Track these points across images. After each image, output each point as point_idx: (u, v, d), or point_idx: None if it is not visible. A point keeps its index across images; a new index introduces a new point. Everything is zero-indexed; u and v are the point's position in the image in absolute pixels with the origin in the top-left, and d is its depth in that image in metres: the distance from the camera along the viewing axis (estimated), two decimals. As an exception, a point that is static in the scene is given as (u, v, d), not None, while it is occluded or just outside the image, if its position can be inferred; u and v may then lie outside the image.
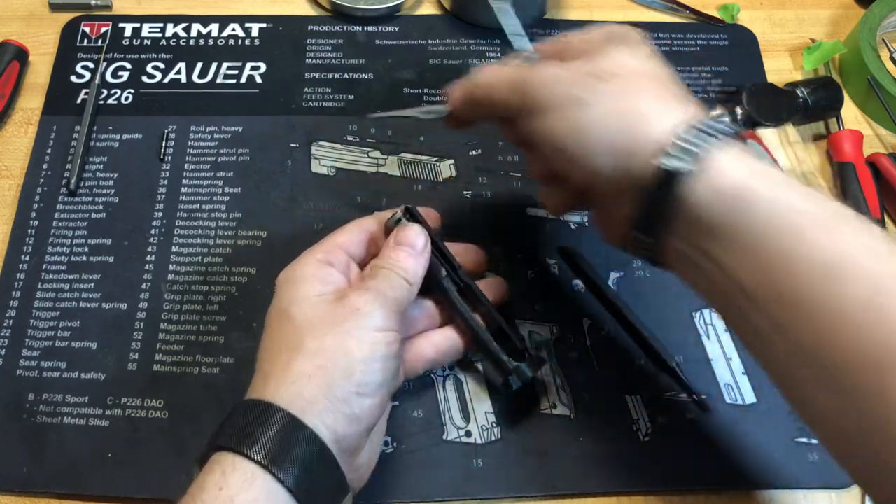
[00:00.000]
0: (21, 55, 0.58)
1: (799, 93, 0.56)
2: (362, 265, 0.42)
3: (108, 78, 0.58)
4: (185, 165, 0.54)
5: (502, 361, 0.43)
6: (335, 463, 0.34)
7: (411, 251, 0.40)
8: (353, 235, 0.42)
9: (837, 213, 0.32)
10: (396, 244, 0.40)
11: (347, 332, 0.36)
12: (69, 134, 0.55)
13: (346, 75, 0.59)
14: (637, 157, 0.33)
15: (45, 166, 0.54)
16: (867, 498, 0.44)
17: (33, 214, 0.52)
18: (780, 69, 0.62)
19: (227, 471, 0.33)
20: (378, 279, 0.39)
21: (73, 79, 0.58)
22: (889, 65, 0.59)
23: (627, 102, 0.34)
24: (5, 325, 0.48)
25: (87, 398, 0.46)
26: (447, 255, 0.44)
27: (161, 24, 0.61)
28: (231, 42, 0.60)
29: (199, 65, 0.59)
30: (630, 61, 0.36)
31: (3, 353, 0.47)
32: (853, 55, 0.60)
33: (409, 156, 0.55)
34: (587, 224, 0.53)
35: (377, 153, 0.55)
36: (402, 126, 0.56)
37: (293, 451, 0.33)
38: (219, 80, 0.58)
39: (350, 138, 0.56)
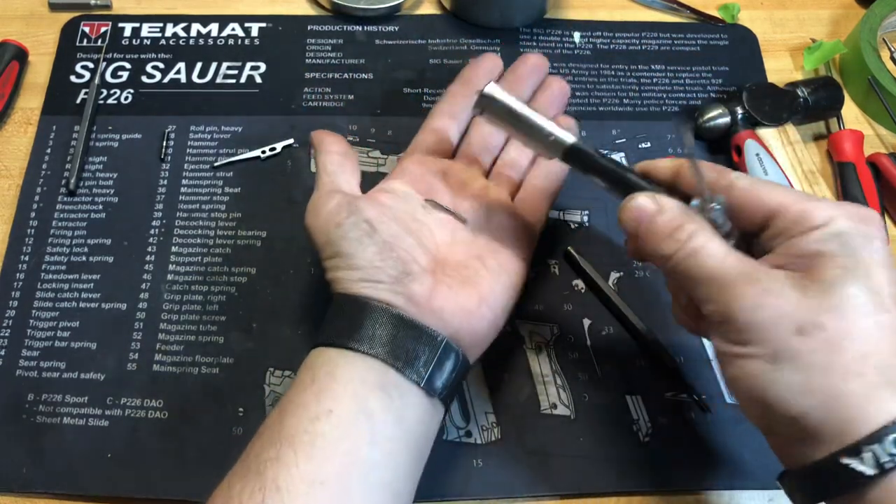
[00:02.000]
0: (21, 55, 0.58)
1: (799, 93, 0.56)
2: None
3: (108, 78, 0.58)
4: (185, 165, 0.54)
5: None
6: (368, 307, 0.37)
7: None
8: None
9: None
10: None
11: None
12: (69, 134, 0.55)
13: (346, 75, 0.59)
14: (825, 440, 0.30)
15: (44, 166, 0.54)
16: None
17: (33, 214, 0.52)
18: (780, 69, 0.62)
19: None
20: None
21: (73, 79, 0.58)
22: (889, 65, 0.59)
23: (844, 381, 0.30)
24: (5, 325, 0.48)
25: (86, 398, 0.46)
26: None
27: (161, 24, 0.61)
28: (231, 42, 0.60)
29: (199, 65, 0.59)
30: (863, 308, 0.30)
31: (2, 353, 0.47)
32: (854, 55, 0.60)
33: (409, 156, 0.55)
34: (588, 224, 0.53)
35: (377, 153, 0.55)
36: (402, 126, 0.56)
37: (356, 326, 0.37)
38: (218, 80, 0.58)
39: (350, 138, 0.56)
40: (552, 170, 0.46)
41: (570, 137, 0.38)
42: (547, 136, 0.39)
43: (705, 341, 0.48)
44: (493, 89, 0.39)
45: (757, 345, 0.31)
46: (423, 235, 0.41)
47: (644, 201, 0.36)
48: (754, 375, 0.31)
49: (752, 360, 0.31)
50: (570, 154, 0.38)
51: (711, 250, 0.33)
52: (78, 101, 0.57)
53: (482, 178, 0.46)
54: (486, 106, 0.39)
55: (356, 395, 0.35)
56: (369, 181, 0.54)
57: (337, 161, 0.43)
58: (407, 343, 0.37)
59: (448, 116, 0.47)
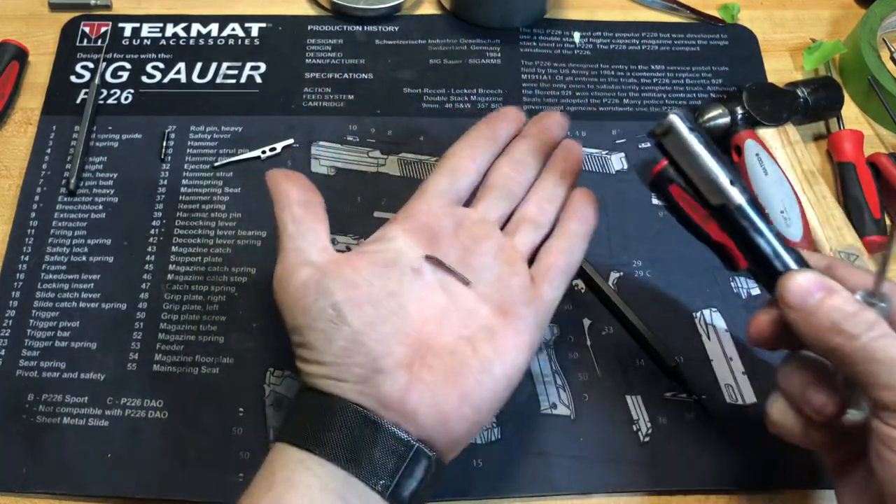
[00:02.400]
0: (21, 55, 0.58)
1: (799, 93, 0.56)
2: None
3: (108, 78, 0.58)
4: (185, 165, 0.54)
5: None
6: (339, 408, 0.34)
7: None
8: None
9: None
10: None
11: None
12: (69, 134, 0.55)
13: (346, 75, 0.59)
14: None
15: (44, 166, 0.54)
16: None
17: (33, 214, 0.52)
18: (780, 69, 0.62)
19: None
20: None
21: (73, 79, 0.58)
22: (889, 65, 0.59)
23: None
24: (5, 325, 0.48)
25: (86, 398, 0.46)
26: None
27: (161, 24, 0.61)
28: (231, 42, 0.60)
29: (199, 65, 0.59)
30: None
31: (2, 353, 0.47)
32: (853, 55, 0.60)
33: (409, 156, 0.55)
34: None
35: (377, 153, 0.55)
36: (402, 126, 0.56)
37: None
38: (218, 80, 0.58)
39: (350, 138, 0.56)
40: (575, 243, 0.41)
41: (739, 198, 0.36)
42: (716, 186, 0.36)
43: (705, 341, 0.48)
44: (677, 119, 0.36)
45: None
46: (404, 317, 0.36)
47: (812, 281, 0.33)
48: None
49: None
50: (729, 212, 0.36)
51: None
52: (78, 101, 0.57)
53: (497, 232, 0.40)
54: (666, 132, 0.36)
55: (313, 502, 0.32)
56: (370, 181, 0.54)
57: (299, 216, 0.37)
58: (372, 448, 0.33)
59: (468, 159, 0.42)
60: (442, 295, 0.38)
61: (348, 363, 0.34)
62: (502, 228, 0.41)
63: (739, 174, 0.37)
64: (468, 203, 0.42)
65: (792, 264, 0.35)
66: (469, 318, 0.37)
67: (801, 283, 0.33)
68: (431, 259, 0.38)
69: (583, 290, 0.50)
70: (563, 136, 0.45)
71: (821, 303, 0.33)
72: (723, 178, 0.36)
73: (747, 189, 0.36)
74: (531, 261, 0.40)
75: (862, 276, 0.35)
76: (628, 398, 0.47)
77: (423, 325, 0.36)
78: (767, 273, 0.36)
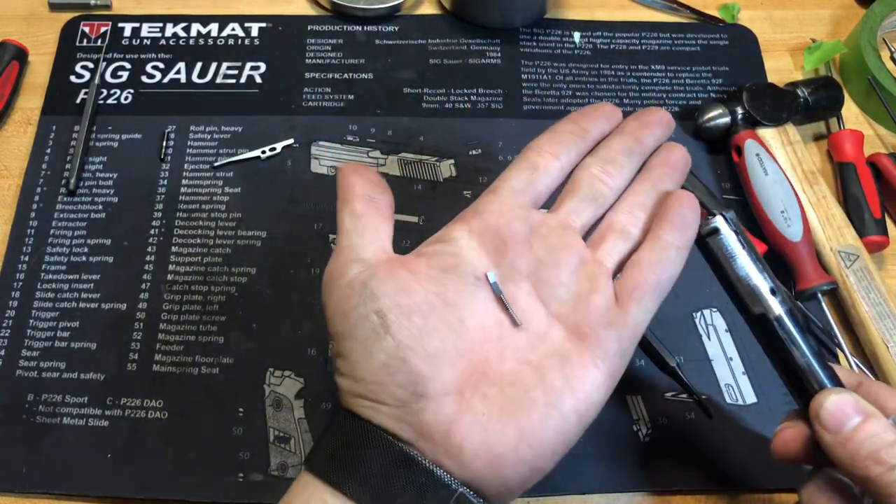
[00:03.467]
0: (20, 55, 0.58)
1: (799, 93, 0.56)
2: None
3: (108, 78, 0.58)
4: (185, 165, 0.54)
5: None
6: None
7: None
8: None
9: None
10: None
11: None
12: (68, 134, 0.55)
13: (346, 75, 0.59)
14: None
15: (44, 166, 0.54)
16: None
17: (32, 214, 0.52)
18: (780, 69, 0.62)
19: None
20: None
21: (73, 79, 0.58)
22: (889, 64, 0.59)
23: None
24: (5, 325, 0.48)
25: (86, 398, 0.46)
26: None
27: (160, 24, 0.61)
28: (231, 42, 0.60)
29: (199, 65, 0.59)
30: None
31: (2, 353, 0.47)
32: (854, 55, 0.60)
33: (410, 156, 0.55)
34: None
35: (377, 153, 0.55)
36: (402, 126, 0.56)
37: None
38: (218, 80, 0.58)
39: (350, 138, 0.56)
40: (669, 255, 0.33)
41: (778, 308, 0.34)
42: (757, 295, 0.35)
43: (705, 341, 0.48)
44: (723, 222, 0.35)
45: None
46: (459, 332, 0.31)
47: (849, 403, 0.32)
48: None
49: None
50: (768, 322, 0.35)
51: None
52: (78, 101, 0.57)
53: (579, 242, 0.34)
54: (710, 233, 0.36)
55: None
56: (369, 181, 0.54)
57: (359, 211, 0.33)
58: (408, 490, 0.29)
59: (551, 155, 0.35)
60: (499, 312, 0.32)
61: (387, 383, 0.29)
62: (585, 238, 0.35)
63: (779, 284, 0.36)
64: (548, 207, 0.36)
65: (826, 382, 0.34)
66: (538, 340, 0.32)
67: (838, 405, 0.32)
68: (494, 287, 0.33)
69: (583, 290, 0.50)
70: (667, 136, 0.38)
71: (858, 428, 0.31)
72: (764, 287, 0.35)
73: (788, 299, 0.35)
74: (616, 276, 0.34)
75: (891, 395, 0.34)
76: (628, 398, 0.47)
77: (482, 345, 0.31)
78: (800, 388, 0.35)
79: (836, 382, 0.34)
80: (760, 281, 0.35)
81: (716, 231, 0.35)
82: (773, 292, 0.35)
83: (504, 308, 0.32)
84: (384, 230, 0.33)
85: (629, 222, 0.35)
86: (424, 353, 0.30)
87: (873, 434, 0.30)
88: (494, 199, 0.34)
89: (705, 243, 0.36)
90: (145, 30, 0.60)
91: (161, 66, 0.59)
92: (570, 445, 0.31)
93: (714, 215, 0.35)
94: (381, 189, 0.35)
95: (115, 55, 0.59)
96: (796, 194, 0.52)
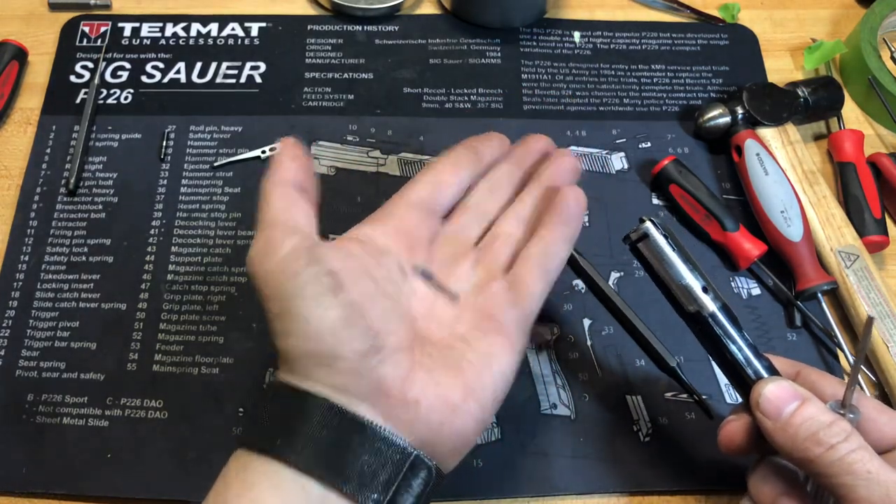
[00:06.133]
0: (20, 55, 0.58)
1: (799, 92, 0.56)
2: None
3: (108, 78, 0.58)
4: (185, 165, 0.54)
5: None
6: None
7: None
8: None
9: None
10: None
11: None
12: (68, 134, 0.55)
13: (346, 75, 0.59)
14: None
15: (44, 166, 0.54)
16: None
17: (32, 214, 0.52)
18: (780, 69, 0.62)
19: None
20: None
21: (73, 78, 0.58)
22: (890, 64, 0.59)
23: None
24: (5, 325, 0.48)
25: (86, 398, 0.46)
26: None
27: (160, 24, 0.61)
28: (231, 42, 0.60)
29: (199, 64, 0.59)
30: None
31: (2, 353, 0.47)
32: (854, 55, 0.60)
33: (409, 156, 0.55)
34: (587, 224, 0.53)
35: (377, 153, 0.55)
36: (402, 126, 0.56)
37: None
38: (218, 80, 0.58)
39: (350, 138, 0.56)
40: (554, 246, 0.37)
41: (711, 305, 0.37)
42: (690, 294, 0.37)
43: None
44: (651, 227, 0.38)
45: None
46: (399, 300, 0.33)
47: (786, 389, 0.34)
48: None
49: None
50: (703, 318, 0.37)
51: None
52: (78, 101, 0.57)
53: (473, 249, 0.39)
54: (640, 238, 0.38)
55: None
56: (370, 181, 0.54)
57: (292, 195, 0.33)
58: (362, 455, 0.29)
59: (451, 174, 0.39)
60: (425, 299, 0.36)
61: (345, 336, 0.29)
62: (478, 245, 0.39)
63: (711, 281, 0.38)
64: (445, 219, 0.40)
65: (763, 372, 0.36)
66: (457, 322, 0.35)
67: (775, 393, 0.34)
68: (421, 270, 0.36)
69: (583, 290, 0.50)
70: (546, 158, 0.42)
71: (796, 412, 0.33)
72: (696, 285, 0.37)
73: (719, 296, 0.37)
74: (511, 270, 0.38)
75: (831, 383, 0.36)
76: (628, 398, 0.47)
77: (417, 317, 0.34)
78: (740, 381, 0.36)
79: (773, 372, 0.36)
80: (692, 280, 0.37)
81: (645, 235, 0.38)
82: (704, 290, 0.37)
83: (437, 288, 0.36)
84: (313, 216, 0.34)
85: (514, 227, 0.39)
86: (378, 310, 0.31)
87: (810, 417, 0.32)
88: (402, 206, 0.38)
89: (637, 248, 0.38)
90: (145, 30, 0.60)
91: (161, 65, 0.59)
92: (499, 405, 0.34)
93: (643, 221, 0.38)
94: (312, 183, 0.35)
95: (114, 55, 0.59)
96: (796, 194, 0.52)
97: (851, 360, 0.48)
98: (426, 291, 0.36)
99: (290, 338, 0.30)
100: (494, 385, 0.33)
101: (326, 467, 0.28)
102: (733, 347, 0.37)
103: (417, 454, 0.30)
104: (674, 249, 0.38)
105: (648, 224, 0.38)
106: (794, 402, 0.33)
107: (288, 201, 0.33)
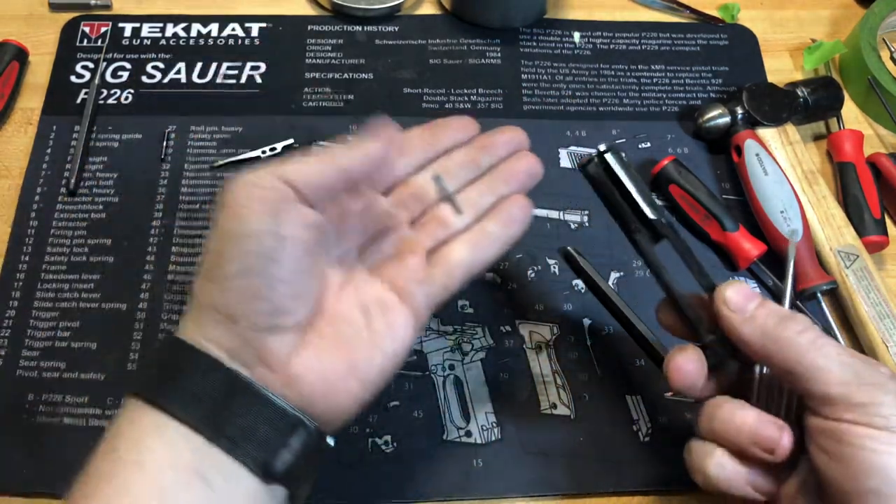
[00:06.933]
0: (21, 55, 0.58)
1: (799, 93, 0.56)
2: None
3: (108, 78, 0.58)
4: (185, 165, 0.54)
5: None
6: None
7: None
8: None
9: None
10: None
11: None
12: (69, 134, 0.55)
13: (346, 75, 0.59)
14: None
15: (44, 166, 0.54)
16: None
17: (33, 214, 0.52)
18: (780, 69, 0.62)
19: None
20: None
21: (73, 79, 0.58)
22: (889, 64, 0.59)
23: None
24: (5, 325, 0.48)
25: (86, 398, 0.46)
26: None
27: (161, 24, 0.61)
28: (231, 42, 0.60)
29: (199, 65, 0.59)
30: None
31: (2, 353, 0.47)
32: (853, 55, 0.60)
33: (409, 156, 0.55)
34: (587, 224, 0.53)
35: (377, 153, 0.55)
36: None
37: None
38: (219, 80, 0.58)
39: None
40: (486, 242, 0.37)
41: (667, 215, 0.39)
42: (648, 203, 0.41)
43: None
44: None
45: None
46: (318, 277, 0.34)
47: (746, 288, 0.37)
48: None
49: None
50: (663, 227, 0.41)
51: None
52: (78, 101, 0.57)
53: (403, 226, 0.38)
54: (597, 156, 0.41)
55: (163, 489, 0.29)
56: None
57: (324, 174, 0.33)
58: (242, 413, 0.30)
59: (398, 153, 0.39)
60: (339, 268, 0.36)
61: (253, 303, 0.31)
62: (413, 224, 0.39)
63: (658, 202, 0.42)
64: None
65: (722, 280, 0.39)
66: (365, 288, 0.35)
67: (739, 291, 0.37)
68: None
69: (583, 290, 0.50)
70: (518, 149, 0.41)
71: (759, 306, 0.36)
72: (649, 198, 0.40)
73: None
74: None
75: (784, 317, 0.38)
76: (628, 398, 0.47)
77: (328, 288, 0.34)
78: (706, 283, 0.39)
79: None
80: (646, 191, 0.40)
81: (601, 155, 0.41)
82: (653, 206, 0.40)
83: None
84: (316, 198, 0.33)
85: (449, 216, 0.38)
86: (295, 291, 0.32)
87: (774, 310, 0.36)
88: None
89: (603, 158, 0.41)
90: (145, 30, 0.61)
91: (161, 66, 0.59)
92: (387, 382, 0.34)
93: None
94: (354, 190, 0.36)
95: (115, 55, 0.59)
96: (796, 194, 0.52)
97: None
98: (335, 262, 0.36)
99: (210, 284, 0.31)
100: (383, 364, 0.34)
101: (210, 424, 0.30)
102: (691, 262, 0.40)
103: (296, 414, 0.31)
104: (626, 170, 0.41)
105: (603, 146, 0.41)
106: (755, 299, 0.36)
107: (321, 178, 0.33)
